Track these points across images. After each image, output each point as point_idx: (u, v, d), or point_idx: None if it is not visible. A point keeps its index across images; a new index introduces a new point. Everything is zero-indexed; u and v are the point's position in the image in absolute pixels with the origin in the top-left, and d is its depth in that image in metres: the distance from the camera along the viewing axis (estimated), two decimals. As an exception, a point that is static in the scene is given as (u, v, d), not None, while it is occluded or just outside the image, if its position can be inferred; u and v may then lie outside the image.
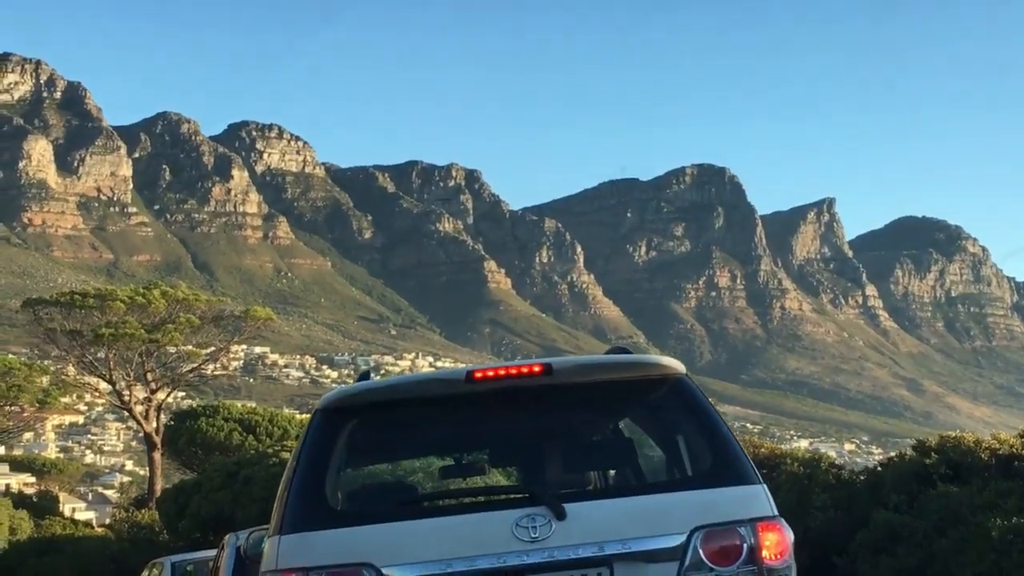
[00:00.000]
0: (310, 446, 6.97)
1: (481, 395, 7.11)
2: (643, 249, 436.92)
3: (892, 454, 21.13)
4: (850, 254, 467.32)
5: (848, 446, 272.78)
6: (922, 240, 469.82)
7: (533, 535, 6.52)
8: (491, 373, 7.04)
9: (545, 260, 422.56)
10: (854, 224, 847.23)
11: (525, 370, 7.07)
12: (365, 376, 7.83)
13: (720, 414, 7.22)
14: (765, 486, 6.91)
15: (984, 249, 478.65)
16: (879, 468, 19.87)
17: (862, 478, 19.73)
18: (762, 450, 21.78)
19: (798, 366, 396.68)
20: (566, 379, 7.11)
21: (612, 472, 8.47)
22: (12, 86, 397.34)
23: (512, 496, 6.93)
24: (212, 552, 18.25)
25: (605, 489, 8.20)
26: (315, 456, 6.91)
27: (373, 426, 7.43)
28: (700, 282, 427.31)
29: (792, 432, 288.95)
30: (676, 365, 7.26)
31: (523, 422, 7.79)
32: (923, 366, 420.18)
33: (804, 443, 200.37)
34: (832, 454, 23.44)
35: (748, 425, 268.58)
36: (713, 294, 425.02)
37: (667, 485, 7.28)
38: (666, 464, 7.62)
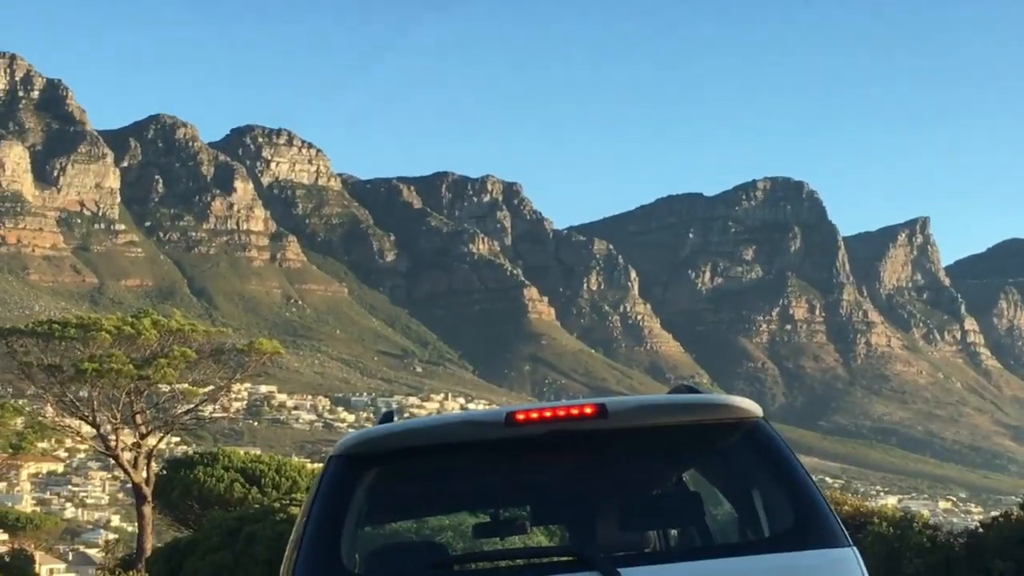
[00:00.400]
0: (324, 498, 6.74)
1: (523, 440, 6.89)
2: (707, 275, 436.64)
3: (995, 513, 21.01)
4: (947, 282, 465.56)
5: (943, 504, 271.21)
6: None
7: None
8: (535, 415, 6.80)
9: (594, 287, 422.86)
10: (951, 248, 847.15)
11: (575, 412, 6.82)
12: (388, 418, 7.56)
13: (802, 464, 6.95)
14: (855, 549, 6.55)
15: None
16: (980, 530, 19.76)
17: (961, 541, 19.62)
18: (844, 507, 21.72)
19: (886, 411, 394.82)
20: (623, 422, 6.88)
21: (675, 532, 8.29)
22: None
23: (558, 559, 6.63)
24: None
25: (667, 552, 8.01)
26: (329, 510, 6.67)
27: (397, 476, 7.23)
28: (773, 314, 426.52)
29: (878, 487, 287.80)
30: (752, 407, 7.01)
31: (571, 472, 7.58)
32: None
33: (892, 500, 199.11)
34: (925, 513, 23.29)
35: (827, 479, 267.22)
36: (788, 327, 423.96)
37: (741, 547, 6.97)
38: (739, 522, 7.39)
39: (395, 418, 7.60)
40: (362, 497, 6.91)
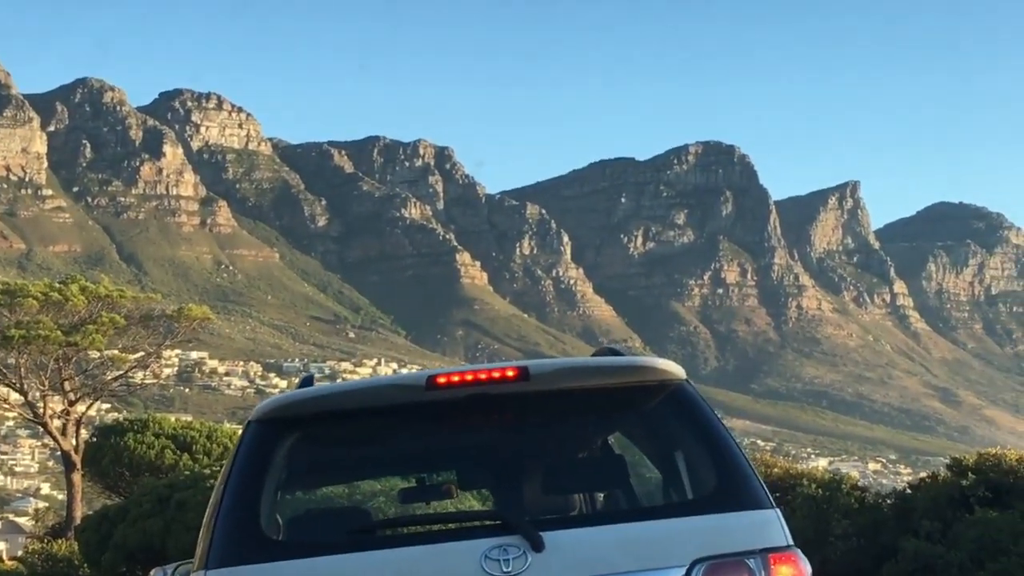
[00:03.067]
0: (242, 464, 6.67)
1: (446, 404, 6.84)
2: (639, 239, 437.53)
3: (923, 474, 21.22)
4: (877, 245, 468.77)
5: (873, 465, 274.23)
6: (959, 230, 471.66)
7: (505, 569, 6.24)
8: (456, 378, 6.76)
9: (527, 252, 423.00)
10: (881, 211, 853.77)
11: (497, 374, 6.78)
12: (308, 381, 7.42)
13: (727, 427, 7.00)
14: (779, 511, 6.64)
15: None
16: (908, 491, 19.96)
17: (889, 502, 19.81)
18: (775, 470, 21.84)
19: (816, 374, 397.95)
20: (546, 385, 6.84)
21: (600, 495, 8.30)
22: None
23: (481, 523, 6.63)
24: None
25: (591, 515, 8.05)
26: (248, 475, 6.61)
27: (317, 440, 7.12)
28: (705, 278, 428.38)
29: (809, 450, 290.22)
30: (675, 369, 7.01)
31: (495, 436, 7.50)
32: (959, 374, 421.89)
33: (823, 462, 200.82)
34: (855, 474, 23.50)
35: (759, 442, 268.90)
36: (720, 291, 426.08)
37: (664, 510, 6.98)
38: (663, 485, 7.40)
39: (314, 382, 7.48)
40: (282, 462, 6.85)
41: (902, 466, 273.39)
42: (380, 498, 15.73)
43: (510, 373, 6.76)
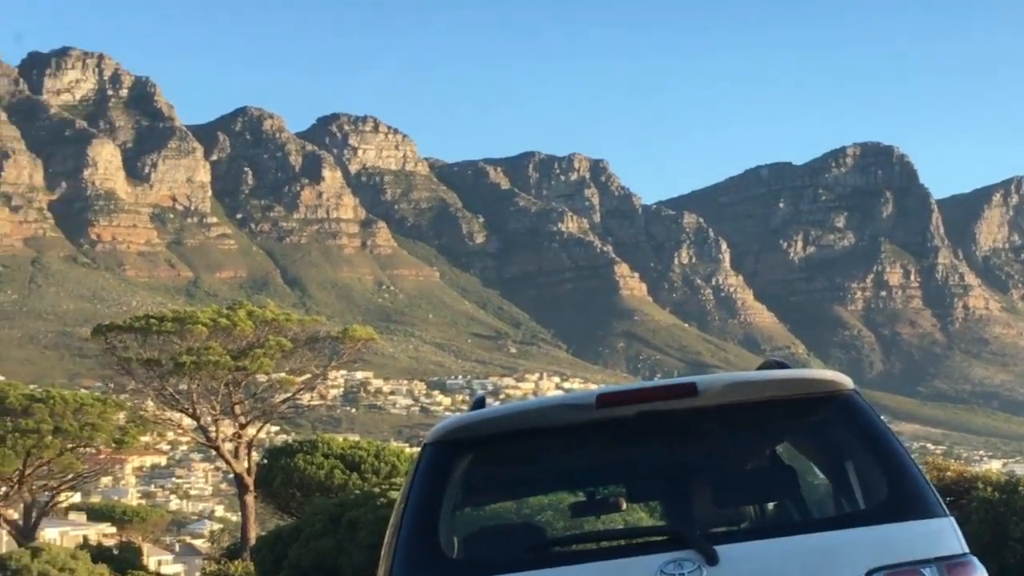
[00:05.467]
0: (420, 485, 6.92)
1: (616, 421, 7.00)
2: (799, 244, 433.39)
3: (1103, 475, 20.70)
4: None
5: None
6: None
7: None
8: (626, 396, 6.98)
9: (686, 261, 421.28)
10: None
11: (665, 391, 6.97)
12: (480, 403, 7.75)
13: (896, 435, 7.03)
14: (952, 519, 6.68)
15: None
16: (1089, 492, 19.47)
17: (1069, 505, 19.35)
18: (948, 473, 21.50)
19: (986, 375, 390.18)
20: (714, 400, 6.99)
21: (771, 506, 8.33)
22: (73, 84, 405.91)
23: (656, 538, 6.74)
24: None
25: (763, 527, 8.07)
26: (426, 496, 6.86)
27: (492, 460, 7.38)
28: (867, 281, 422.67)
29: (982, 452, 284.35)
30: (843, 380, 7.10)
31: (665, 450, 7.59)
32: None
33: (997, 464, 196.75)
34: (1031, 477, 22.96)
35: (929, 445, 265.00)
36: (883, 294, 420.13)
37: (836, 521, 7.03)
38: (834, 496, 7.48)
39: (487, 402, 7.79)
40: (458, 482, 7.07)
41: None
42: (548, 512, 15.72)
43: (678, 389, 6.92)
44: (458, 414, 7.63)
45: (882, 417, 7.14)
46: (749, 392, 7.12)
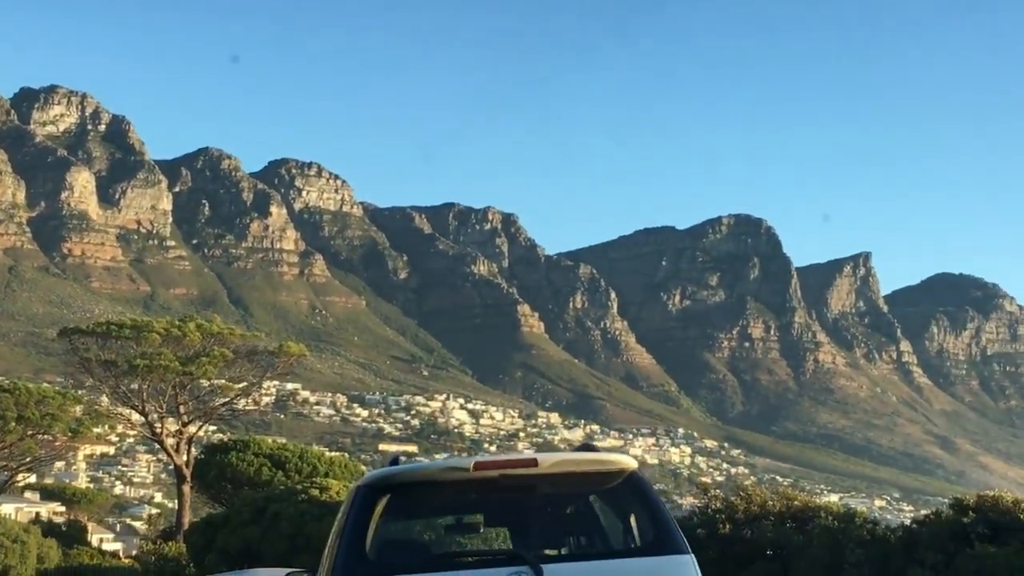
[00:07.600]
0: (354, 513, 9.03)
1: (485, 479, 9.05)
2: (677, 298, 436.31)
3: (926, 511, 20.78)
4: (885, 309, 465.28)
5: (878, 502, 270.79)
6: (958, 297, 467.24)
7: None
8: (492, 464, 9.01)
9: (579, 305, 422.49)
10: (890, 279, 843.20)
11: (517, 462, 9.08)
12: (395, 461, 9.83)
13: (660, 496, 9.24)
14: (693, 556, 8.87)
15: (1022, 308, 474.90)
16: (915, 525, 19.52)
17: (898, 535, 19.39)
18: (795, 503, 21.44)
19: (830, 420, 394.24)
20: (547, 469, 9.06)
21: (583, 539, 10.12)
22: (58, 117, 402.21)
23: (504, 556, 8.87)
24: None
25: (577, 553, 9.89)
26: (359, 520, 8.95)
27: (402, 499, 9.29)
28: (734, 332, 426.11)
29: (822, 486, 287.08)
30: (630, 462, 9.27)
31: (515, 498, 9.54)
32: (956, 424, 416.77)
33: (835, 497, 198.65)
34: (863, 509, 23.06)
35: (778, 478, 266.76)
36: (746, 345, 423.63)
37: (623, 552, 9.33)
38: (623, 535, 9.50)
39: (400, 460, 9.90)
40: (379, 513, 9.09)
41: (905, 504, 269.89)
42: (430, 532, 16.18)
43: (526, 462, 9.06)
44: (381, 468, 9.74)
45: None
46: (570, 466, 9.17)
